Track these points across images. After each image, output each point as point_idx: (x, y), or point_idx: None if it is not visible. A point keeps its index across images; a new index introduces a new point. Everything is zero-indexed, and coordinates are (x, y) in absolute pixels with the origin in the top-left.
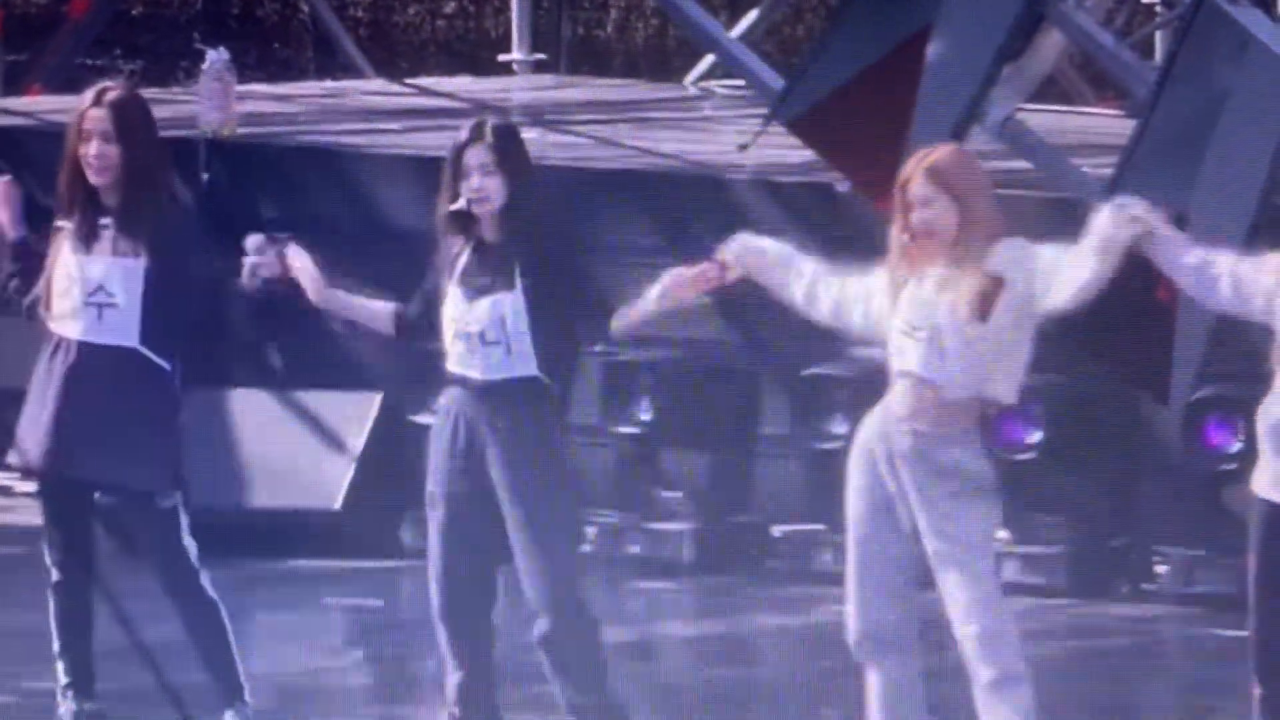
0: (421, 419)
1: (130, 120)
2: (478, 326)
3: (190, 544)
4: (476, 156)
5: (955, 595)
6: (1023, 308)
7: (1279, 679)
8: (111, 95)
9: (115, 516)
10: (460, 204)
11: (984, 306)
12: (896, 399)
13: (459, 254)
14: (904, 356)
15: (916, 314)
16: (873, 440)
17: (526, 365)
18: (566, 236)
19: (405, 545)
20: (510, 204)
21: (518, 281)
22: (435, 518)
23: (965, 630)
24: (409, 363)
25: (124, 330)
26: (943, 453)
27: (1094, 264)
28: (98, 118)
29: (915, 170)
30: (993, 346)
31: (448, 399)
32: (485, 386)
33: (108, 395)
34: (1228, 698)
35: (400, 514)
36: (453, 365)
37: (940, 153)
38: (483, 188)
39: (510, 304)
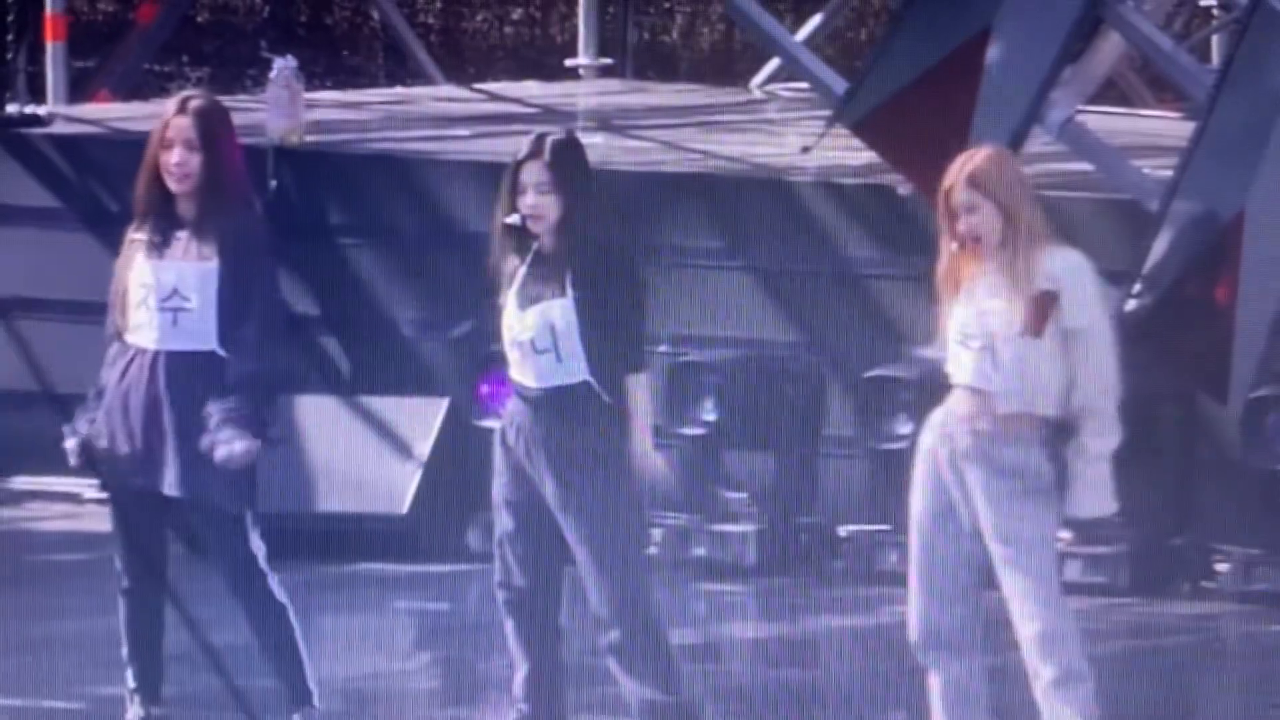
0: (487, 423)
1: (214, 129)
2: (528, 334)
3: (259, 546)
4: (533, 174)
5: (1016, 595)
6: (1065, 320)
7: None
8: (196, 103)
9: (185, 519)
10: (514, 219)
11: (1038, 322)
12: (956, 403)
13: (516, 265)
14: (959, 366)
15: (971, 323)
16: (935, 442)
17: (577, 372)
18: (623, 245)
19: (471, 549)
20: (565, 218)
21: (569, 290)
22: (498, 522)
23: (1027, 630)
24: (479, 369)
25: (200, 334)
26: (1003, 453)
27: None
28: (182, 126)
29: (957, 178)
30: (1047, 362)
31: (510, 406)
32: (539, 394)
33: (186, 402)
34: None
35: (466, 518)
36: (512, 373)
37: (979, 158)
38: (537, 206)
39: (560, 311)
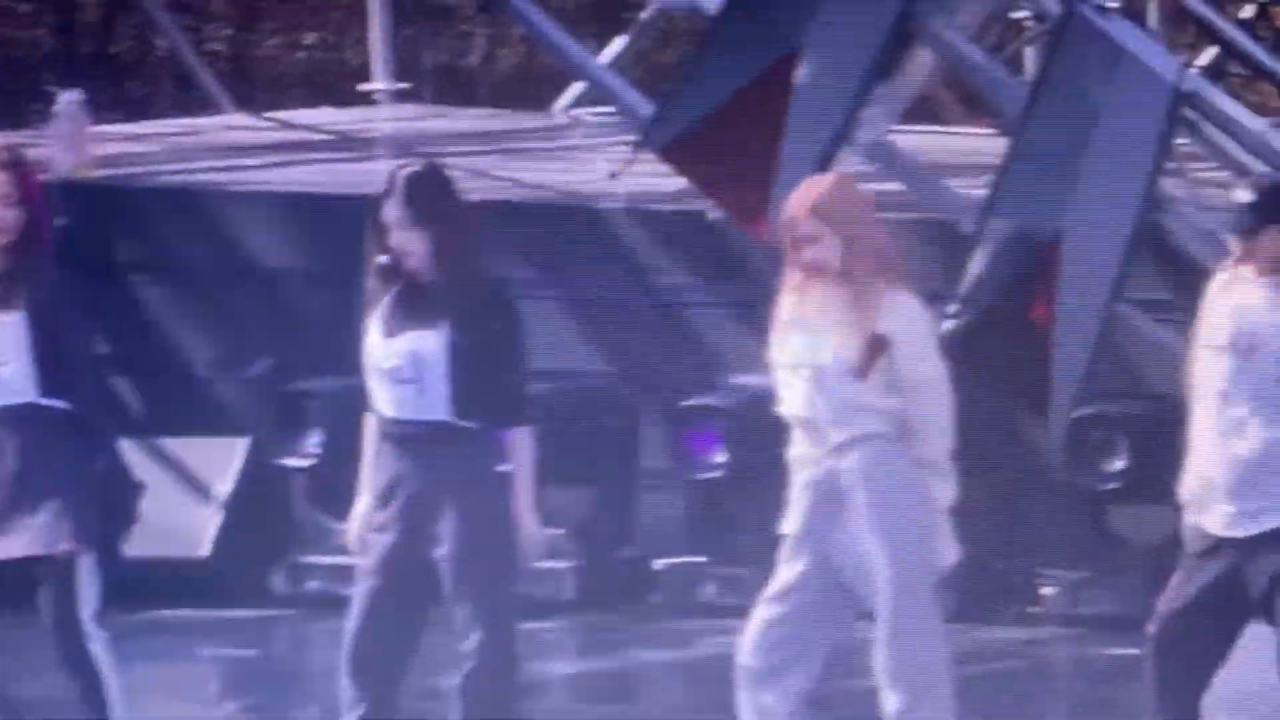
0: (290, 462)
1: (29, 181)
2: (392, 363)
3: (88, 598)
4: (392, 212)
5: (878, 625)
6: (901, 371)
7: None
8: (5, 157)
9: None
10: (383, 259)
11: (867, 364)
12: (797, 436)
13: (385, 293)
14: (790, 395)
15: (803, 353)
16: (796, 472)
17: (440, 408)
18: (503, 281)
19: (277, 592)
20: (436, 251)
21: (439, 322)
22: (361, 557)
23: (882, 658)
24: (276, 406)
25: (16, 388)
26: (847, 486)
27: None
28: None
29: (800, 207)
30: (875, 399)
31: (375, 437)
32: (396, 426)
33: (13, 457)
34: (1116, 715)
35: (270, 560)
36: (374, 403)
37: (824, 186)
38: (402, 244)
39: (430, 343)
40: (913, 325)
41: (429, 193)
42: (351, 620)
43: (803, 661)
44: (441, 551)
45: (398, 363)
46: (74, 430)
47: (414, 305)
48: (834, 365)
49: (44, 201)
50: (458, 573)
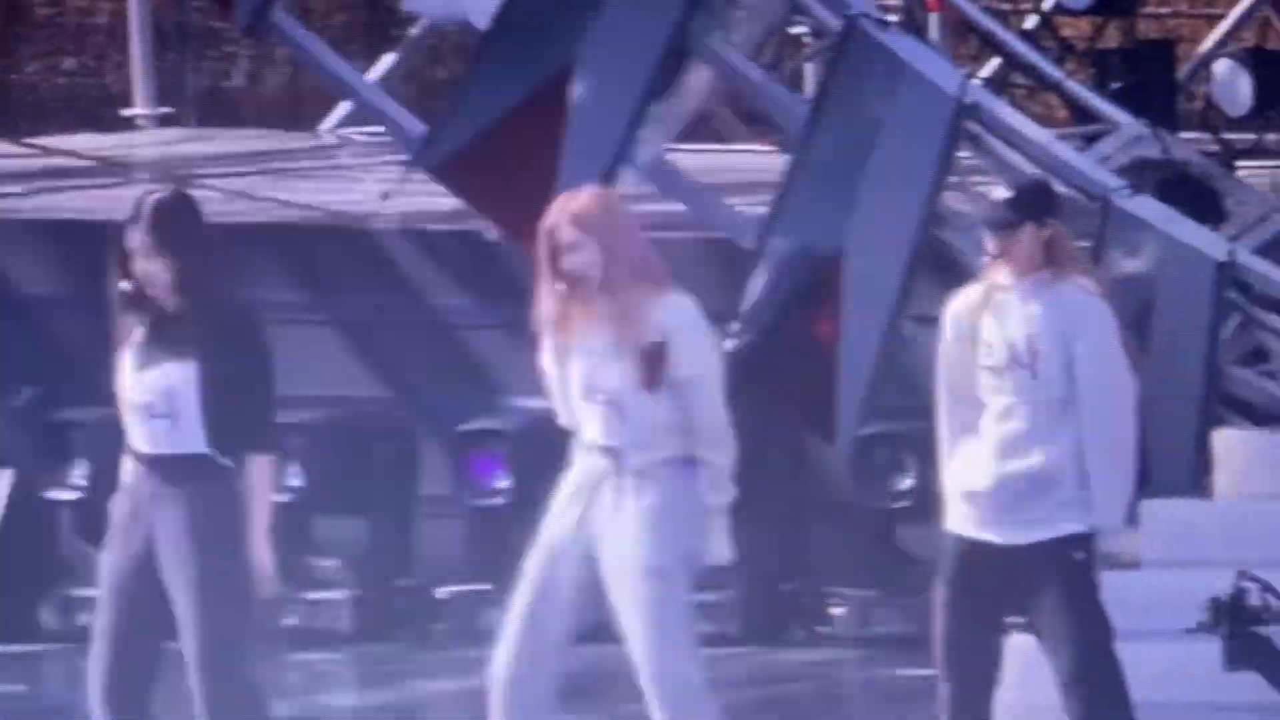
0: (56, 495)
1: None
2: (145, 398)
3: None
4: (135, 239)
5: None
6: (690, 372)
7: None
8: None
9: None
10: (125, 285)
11: (651, 376)
12: (590, 461)
13: (136, 326)
14: (588, 423)
15: (592, 378)
16: (569, 503)
17: (194, 441)
18: (249, 308)
19: (45, 627)
20: (179, 281)
21: (189, 354)
22: (102, 586)
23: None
24: (42, 438)
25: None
26: (642, 510)
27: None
28: None
29: (560, 215)
30: (667, 412)
31: (127, 470)
32: (152, 460)
33: None
34: None
35: (38, 594)
36: (129, 437)
37: (585, 197)
38: (145, 272)
39: (179, 375)
40: (686, 324)
41: (174, 220)
42: (93, 651)
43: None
44: (173, 583)
45: (149, 397)
46: None
47: (163, 336)
48: (625, 386)
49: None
50: (186, 607)
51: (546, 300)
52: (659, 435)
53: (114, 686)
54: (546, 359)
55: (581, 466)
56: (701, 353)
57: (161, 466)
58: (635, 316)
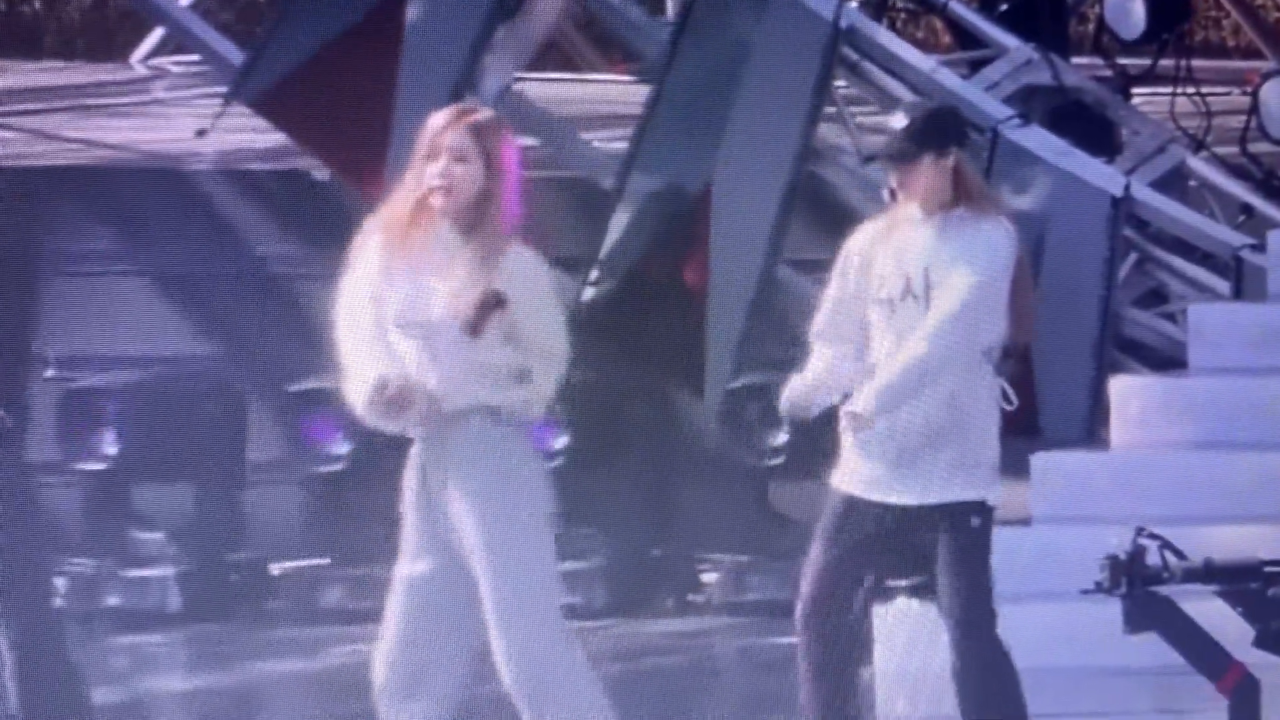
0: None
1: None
2: None
3: None
4: None
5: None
6: (518, 328)
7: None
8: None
9: None
10: None
11: (479, 322)
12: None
13: None
14: (402, 355)
15: (413, 307)
16: (415, 455)
17: None
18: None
19: None
20: None
21: None
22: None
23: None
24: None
25: None
26: (462, 464)
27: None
28: None
29: (456, 121)
30: (483, 359)
31: None
32: None
33: None
34: (787, 710)
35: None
36: None
37: (487, 114)
38: None
39: None
40: (530, 283)
41: None
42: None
43: (443, 668)
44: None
45: None
46: None
47: None
48: (445, 324)
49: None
50: None
51: (398, 204)
52: (474, 382)
53: None
54: (364, 270)
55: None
56: (549, 310)
57: None
58: (485, 258)
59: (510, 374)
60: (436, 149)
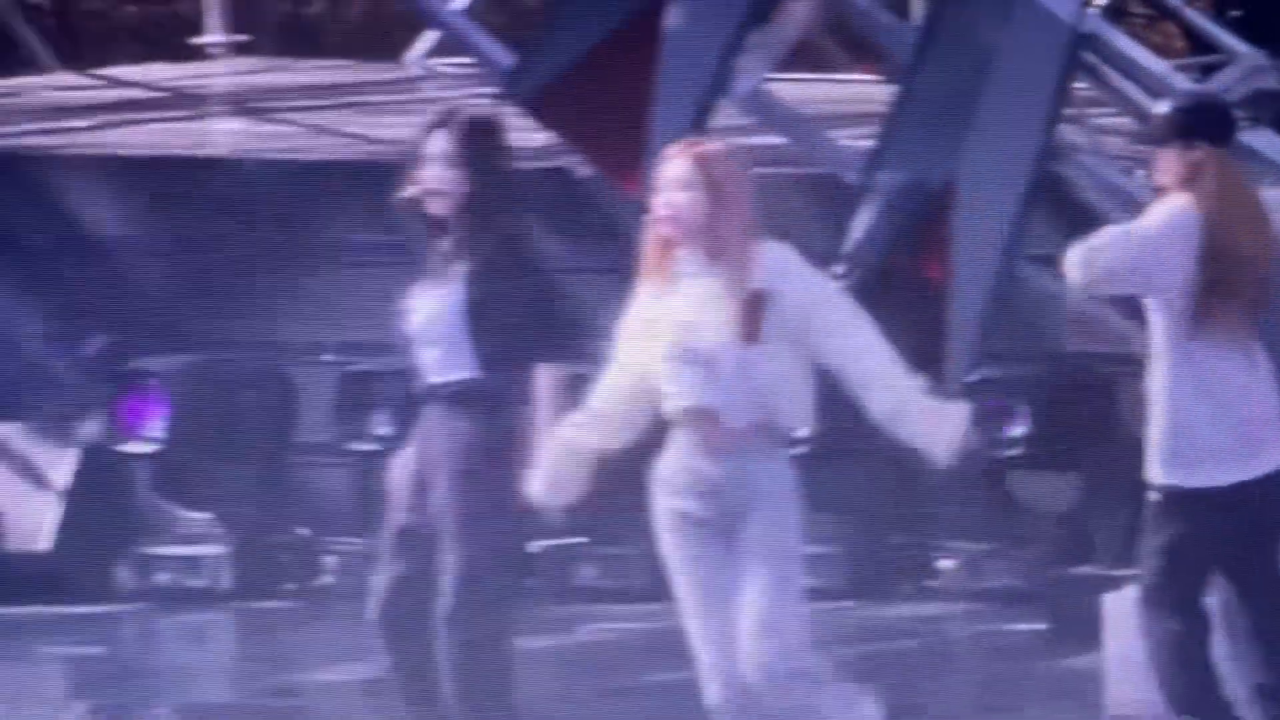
0: (132, 448)
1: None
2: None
3: None
4: (437, 146)
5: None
6: (794, 323)
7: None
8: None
9: None
10: (410, 192)
11: (751, 328)
12: (685, 434)
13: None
14: (680, 384)
15: (685, 337)
16: (675, 480)
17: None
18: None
19: (122, 587)
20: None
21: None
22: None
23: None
24: (116, 387)
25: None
26: (743, 479)
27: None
28: None
29: (678, 154)
30: (771, 370)
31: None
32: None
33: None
34: (1018, 693)
35: (115, 552)
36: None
37: (710, 144)
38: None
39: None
40: (790, 275)
41: (483, 137)
42: None
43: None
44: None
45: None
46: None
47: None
48: (721, 346)
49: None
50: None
51: (646, 248)
52: (760, 401)
53: None
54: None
55: (676, 439)
56: (800, 296)
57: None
58: (733, 270)
59: (803, 392)
60: (661, 183)
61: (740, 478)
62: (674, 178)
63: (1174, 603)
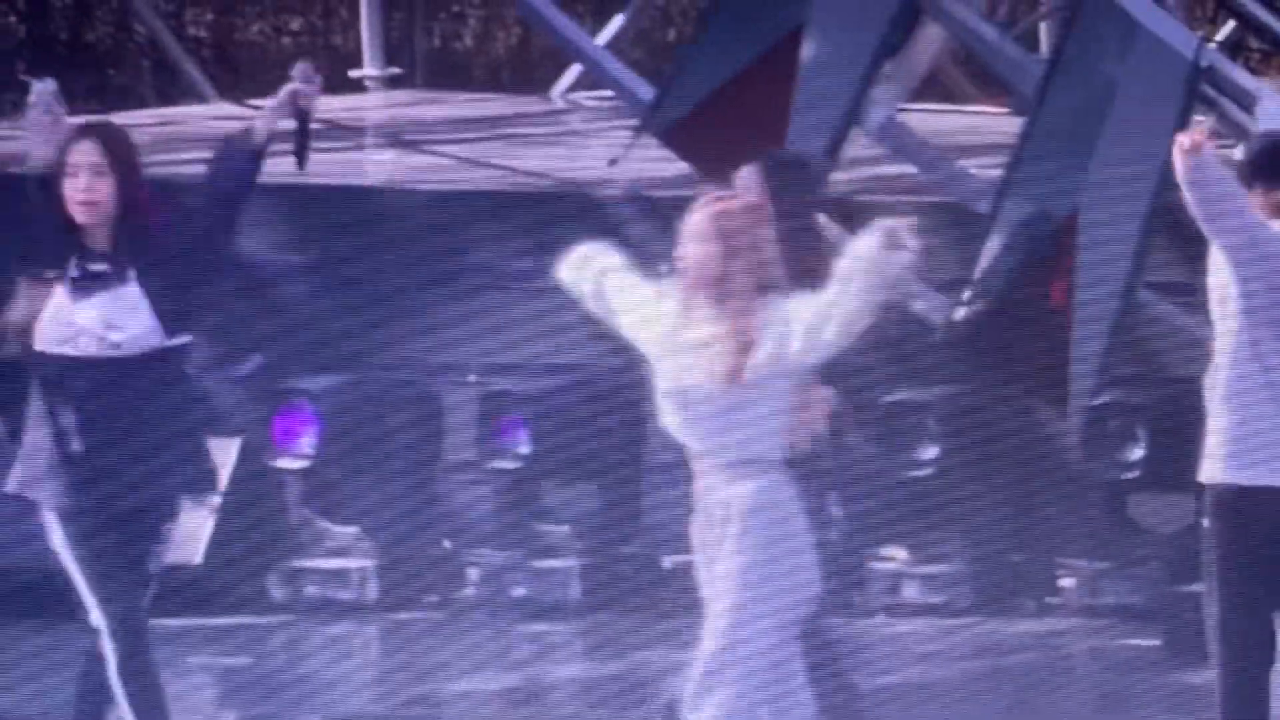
0: (284, 463)
1: (121, 150)
2: None
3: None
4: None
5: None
6: (771, 365)
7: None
8: (96, 128)
9: None
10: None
11: (734, 370)
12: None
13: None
14: (670, 420)
15: (678, 377)
16: (693, 504)
17: None
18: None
19: (272, 598)
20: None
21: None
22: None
23: None
24: (270, 406)
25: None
26: (728, 510)
27: (858, 294)
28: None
29: (698, 209)
30: (752, 411)
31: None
32: None
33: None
34: (1138, 709)
35: (265, 565)
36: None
37: (730, 200)
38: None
39: None
40: (785, 318)
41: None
42: None
43: None
44: None
45: None
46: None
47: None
48: (703, 387)
49: (138, 170)
50: None
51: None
52: (736, 439)
53: None
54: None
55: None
56: (781, 339)
57: None
58: (742, 312)
59: (776, 428)
60: (683, 234)
61: (725, 509)
62: (693, 230)
63: (1234, 602)
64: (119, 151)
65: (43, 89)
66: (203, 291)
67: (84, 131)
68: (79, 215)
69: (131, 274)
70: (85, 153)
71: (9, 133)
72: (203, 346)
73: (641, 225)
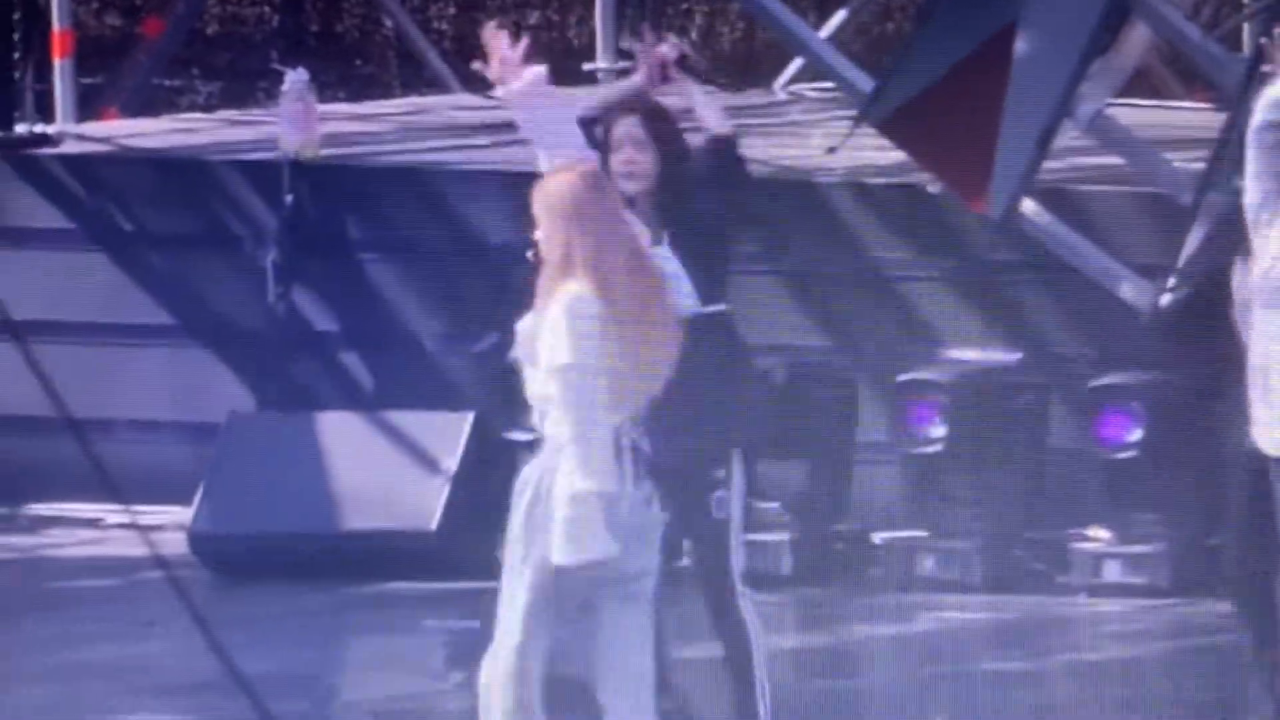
0: (515, 435)
1: (665, 126)
2: None
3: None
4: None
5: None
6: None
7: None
8: (637, 104)
9: None
10: None
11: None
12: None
13: None
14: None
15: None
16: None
17: None
18: None
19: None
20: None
21: None
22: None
23: None
24: (502, 381)
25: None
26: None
27: None
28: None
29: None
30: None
31: None
32: None
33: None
34: None
35: (495, 533)
36: None
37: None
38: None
39: None
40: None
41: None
42: None
43: None
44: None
45: None
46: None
47: None
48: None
49: (677, 143)
50: None
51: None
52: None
53: None
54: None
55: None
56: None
57: None
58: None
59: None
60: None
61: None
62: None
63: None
64: (659, 127)
65: (295, 78)
66: (729, 265)
67: (627, 108)
68: (622, 185)
69: (666, 241)
70: (628, 127)
71: (264, 118)
72: (442, 324)
73: (857, 209)
